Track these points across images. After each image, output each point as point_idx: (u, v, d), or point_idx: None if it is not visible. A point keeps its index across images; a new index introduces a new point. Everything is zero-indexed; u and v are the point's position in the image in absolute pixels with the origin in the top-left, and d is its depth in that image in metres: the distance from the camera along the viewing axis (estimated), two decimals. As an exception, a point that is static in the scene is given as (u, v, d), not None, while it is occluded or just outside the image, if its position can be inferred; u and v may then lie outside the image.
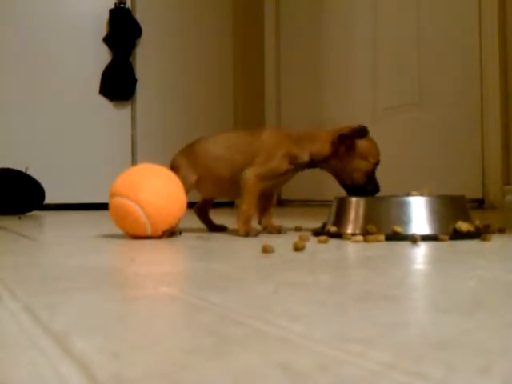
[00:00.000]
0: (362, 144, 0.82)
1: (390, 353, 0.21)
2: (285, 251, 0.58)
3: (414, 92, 1.86)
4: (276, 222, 0.89)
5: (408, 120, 1.89)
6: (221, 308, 0.30)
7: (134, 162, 2.27)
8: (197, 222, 0.92)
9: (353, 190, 0.82)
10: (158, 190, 0.75)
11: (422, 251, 0.58)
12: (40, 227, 1.17)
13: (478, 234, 0.69)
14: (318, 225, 0.83)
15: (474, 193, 1.63)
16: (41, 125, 2.20)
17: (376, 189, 0.83)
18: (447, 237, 0.67)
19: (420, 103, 1.84)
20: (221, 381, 0.19)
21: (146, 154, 2.23)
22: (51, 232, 1.06)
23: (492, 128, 1.61)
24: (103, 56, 2.27)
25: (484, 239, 0.66)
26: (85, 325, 0.28)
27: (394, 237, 0.68)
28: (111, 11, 2.27)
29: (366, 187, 0.82)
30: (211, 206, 0.93)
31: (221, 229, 0.91)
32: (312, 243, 0.65)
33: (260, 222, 0.85)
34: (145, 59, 2.34)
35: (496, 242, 0.66)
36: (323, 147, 0.82)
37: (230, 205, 2.12)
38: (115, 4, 2.28)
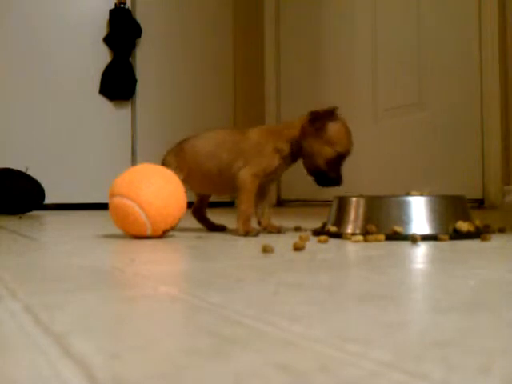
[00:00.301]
0: (332, 130, 0.80)
1: (390, 353, 0.21)
2: (285, 251, 0.58)
3: (414, 92, 1.86)
4: (276, 222, 0.89)
5: (408, 120, 1.89)
6: (221, 308, 0.30)
7: (134, 162, 2.27)
8: (196, 222, 0.93)
9: (316, 177, 0.81)
10: (158, 190, 0.75)
11: (421, 251, 0.58)
12: (40, 227, 1.17)
13: (477, 233, 0.69)
14: (318, 225, 0.83)
15: (474, 193, 1.63)
16: (41, 125, 2.20)
17: (337, 180, 0.80)
18: (447, 237, 0.67)
19: (420, 103, 1.84)
20: (221, 381, 0.19)
21: (146, 154, 2.23)
22: (51, 232, 1.06)
23: (492, 128, 1.61)
24: (103, 56, 2.27)
25: (484, 239, 0.66)
26: (85, 325, 0.28)
27: (394, 237, 0.68)
28: (111, 11, 2.27)
29: (328, 174, 0.80)
30: (207, 206, 0.94)
31: (220, 228, 0.91)
32: (312, 243, 0.65)
33: (259, 223, 0.85)
34: (145, 59, 2.34)
35: (496, 241, 0.66)
36: (295, 131, 0.82)
37: (230, 205, 2.12)
38: (115, 4, 2.28)
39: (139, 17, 2.33)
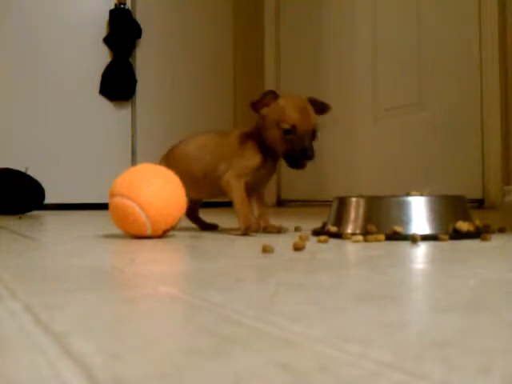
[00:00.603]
0: (272, 111, 0.79)
1: (390, 353, 0.21)
2: (285, 251, 0.58)
3: (414, 92, 1.86)
4: (276, 222, 0.89)
5: (408, 120, 1.89)
6: (220, 308, 0.30)
7: (134, 162, 2.27)
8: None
9: (286, 160, 0.80)
10: (158, 190, 0.75)
11: (422, 251, 0.58)
12: (40, 227, 1.17)
13: (477, 233, 0.69)
14: (318, 225, 0.83)
15: (474, 193, 1.63)
16: (41, 125, 2.20)
17: (302, 155, 0.76)
18: (447, 237, 0.67)
19: (420, 103, 1.84)
20: (221, 381, 0.19)
21: (146, 154, 2.23)
22: (51, 232, 1.06)
23: (492, 128, 1.61)
24: (103, 56, 2.27)
25: (484, 239, 0.66)
26: (85, 325, 0.28)
27: (394, 237, 0.68)
28: (111, 12, 2.27)
29: (290, 154, 0.78)
30: (199, 207, 0.95)
31: (212, 227, 0.92)
32: (312, 243, 0.65)
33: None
34: (145, 60, 2.34)
35: (496, 241, 0.66)
36: (253, 127, 0.83)
37: (229, 205, 2.12)
38: (115, 5, 2.28)
39: (139, 17, 2.33)
